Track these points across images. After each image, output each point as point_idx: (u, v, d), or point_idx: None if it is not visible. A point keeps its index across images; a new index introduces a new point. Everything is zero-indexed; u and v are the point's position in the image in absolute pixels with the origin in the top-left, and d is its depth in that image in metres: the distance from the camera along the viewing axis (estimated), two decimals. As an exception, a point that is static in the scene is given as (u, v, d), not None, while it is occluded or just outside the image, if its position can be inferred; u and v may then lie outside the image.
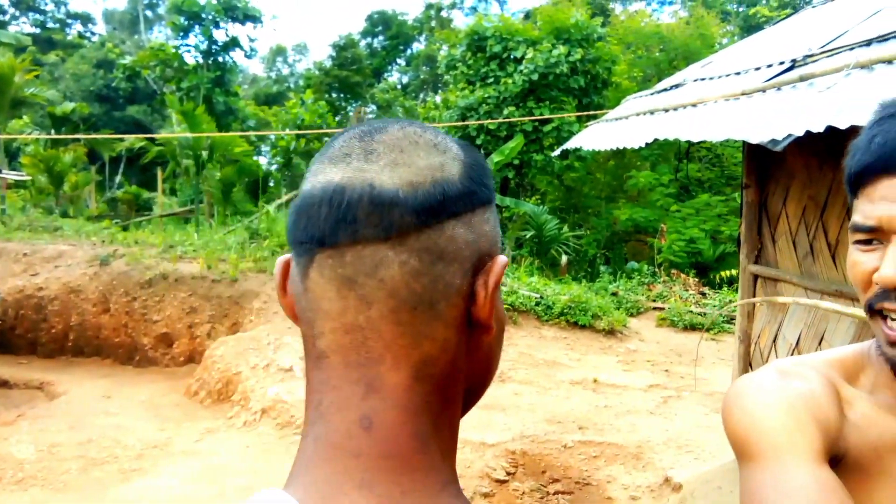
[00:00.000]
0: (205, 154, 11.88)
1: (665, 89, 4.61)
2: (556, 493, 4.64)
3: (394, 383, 0.51)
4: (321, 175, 0.52)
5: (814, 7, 4.86)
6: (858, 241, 0.80)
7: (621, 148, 4.28)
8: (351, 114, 11.55)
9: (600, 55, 15.84)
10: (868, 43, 2.77)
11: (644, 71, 19.97)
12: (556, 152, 5.08)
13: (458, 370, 0.55)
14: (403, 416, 0.51)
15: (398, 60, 35.14)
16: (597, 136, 4.33)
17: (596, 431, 5.44)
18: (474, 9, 31.71)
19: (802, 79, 2.80)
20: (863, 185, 0.79)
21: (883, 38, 2.70)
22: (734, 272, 13.22)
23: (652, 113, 4.02)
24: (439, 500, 0.51)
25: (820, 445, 0.81)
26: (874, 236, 0.78)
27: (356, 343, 0.51)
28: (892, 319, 0.77)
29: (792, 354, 3.93)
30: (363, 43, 32.56)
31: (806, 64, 3.20)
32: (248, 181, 14.98)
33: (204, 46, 16.28)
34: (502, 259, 0.55)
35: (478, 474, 4.59)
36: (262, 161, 18.41)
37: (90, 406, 6.12)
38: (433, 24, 32.67)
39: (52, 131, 16.34)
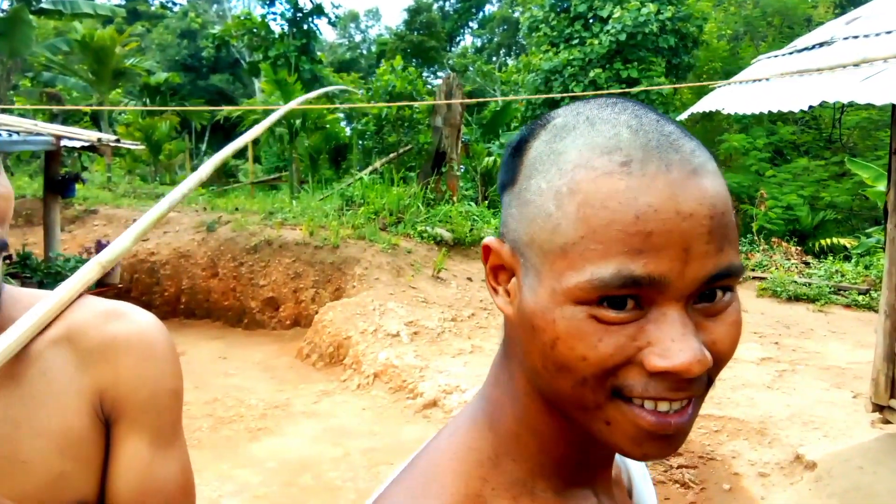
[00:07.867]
0: (297, 122, 12.11)
1: (807, 48, 4.33)
2: (679, 466, 4.57)
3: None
4: None
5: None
6: None
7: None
8: (440, 81, 11.50)
9: (691, 12, 15.16)
10: None
11: (735, 29, 19.00)
12: (683, 115, 4.83)
13: (511, 334, 0.55)
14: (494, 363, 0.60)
15: (471, 23, 34.62)
16: (738, 100, 4.10)
17: (714, 405, 5.31)
18: (550, -32, 30.75)
19: None
20: None
21: None
22: (835, 240, 12.58)
23: (801, 74, 3.78)
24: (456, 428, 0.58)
25: None
26: None
27: None
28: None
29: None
30: (435, 6, 32.19)
31: None
32: (331, 148, 15.16)
33: (289, 14, 16.42)
34: (486, 239, 0.54)
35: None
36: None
37: (209, 366, 6.39)
38: (506, -16, 31.95)
39: (147, 101, 16.98)
